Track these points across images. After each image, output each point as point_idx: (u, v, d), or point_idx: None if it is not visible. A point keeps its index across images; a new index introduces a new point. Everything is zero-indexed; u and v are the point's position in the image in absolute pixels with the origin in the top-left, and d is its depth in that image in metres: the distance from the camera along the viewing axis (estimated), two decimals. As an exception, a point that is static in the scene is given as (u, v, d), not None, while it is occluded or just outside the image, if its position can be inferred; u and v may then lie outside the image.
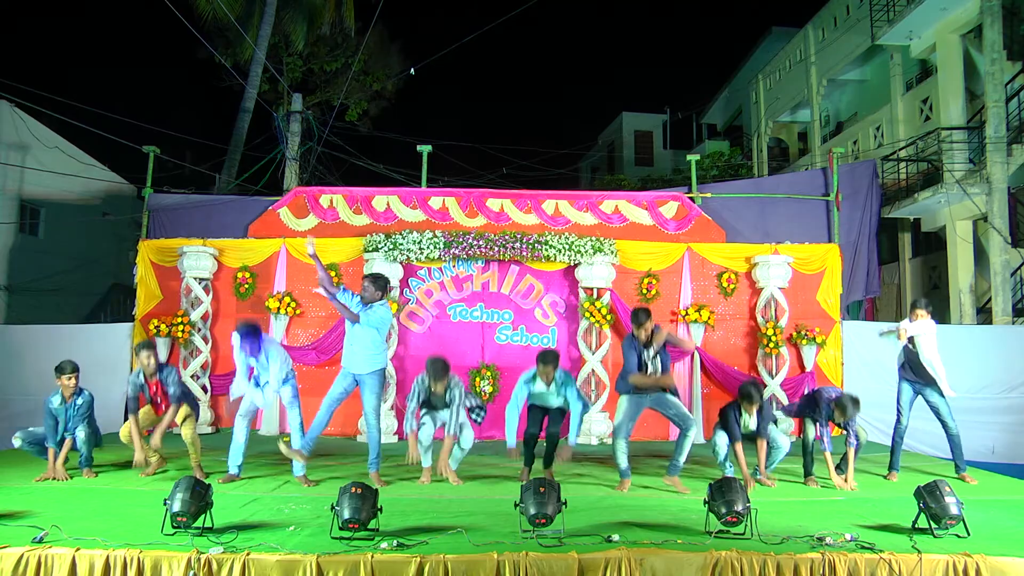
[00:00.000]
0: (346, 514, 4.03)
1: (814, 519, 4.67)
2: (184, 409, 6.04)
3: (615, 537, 4.09)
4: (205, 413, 8.93)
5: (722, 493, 4.28)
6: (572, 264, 8.92)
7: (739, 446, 5.72)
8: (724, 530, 4.23)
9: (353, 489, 4.13)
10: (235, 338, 5.78)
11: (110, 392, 8.50)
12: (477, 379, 8.90)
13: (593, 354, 8.76)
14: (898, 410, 6.42)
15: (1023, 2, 11.75)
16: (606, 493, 5.56)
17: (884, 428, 8.47)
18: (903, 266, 14.15)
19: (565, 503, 4.26)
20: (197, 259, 8.97)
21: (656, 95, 45.38)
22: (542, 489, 4.23)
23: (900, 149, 13.12)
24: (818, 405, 5.96)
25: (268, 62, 15.33)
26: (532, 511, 4.15)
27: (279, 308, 8.94)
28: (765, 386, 8.17)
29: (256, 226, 9.52)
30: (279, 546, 3.88)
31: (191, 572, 3.68)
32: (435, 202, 9.47)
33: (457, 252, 8.81)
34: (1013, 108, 11.27)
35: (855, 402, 5.82)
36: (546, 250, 8.80)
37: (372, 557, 3.73)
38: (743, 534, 4.19)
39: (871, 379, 8.75)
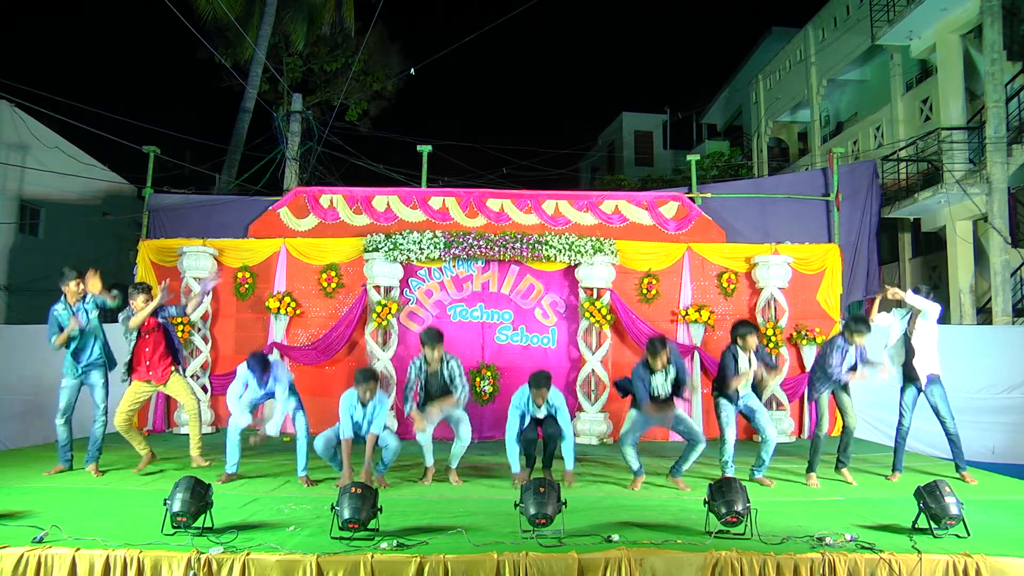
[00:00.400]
0: (346, 514, 4.03)
1: (814, 519, 4.66)
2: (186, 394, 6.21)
3: (615, 537, 4.09)
4: (205, 413, 8.93)
5: (722, 493, 4.28)
6: (572, 264, 8.92)
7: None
8: (724, 530, 4.23)
9: (353, 489, 4.13)
10: (242, 369, 5.82)
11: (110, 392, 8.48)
12: (477, 379, 8.90)
13: (593, 354, 8.76)
14: (900, 411, 6.42)
15: (1023, 2, 11.76)
16: (606, 493, 5.56)
17: (884, 428, 8.48)
18: (903, 266, 14.15)
19: (565, 503, 4.26)
20: (197, 259, 8.97)
21: (656, 95, 45.48)
22: (542, 489, 4.24)
23: (900, 149, 13.13)
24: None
25: (268, 62, 15.33)
26: (532, 511, 4.15)
27: (279, 308, 8.93)
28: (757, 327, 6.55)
29: (256, 226, 9.52)
30: (279, 546, 3.88)
31: (191, 572, 3.68)
32: (435, 202, 9.48)
33: (457, 252, 8.81)
34: (1013, 108, 11.28)
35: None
36: (546, 250, 8.80)
37: (372, 557, 3.73)
38: (743, 534, 4.19)
39: (871, 379, 8.72)
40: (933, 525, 4.30)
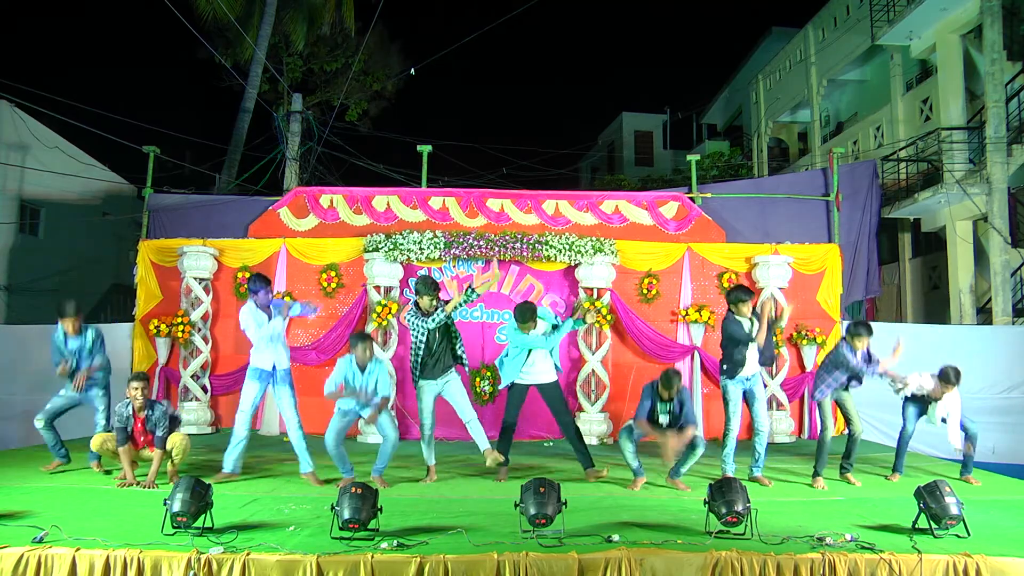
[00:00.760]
0: (346, 514, 4.03)
1: (814, 519, 4.66)
2: (181, 443, 5.74)
3: (615, 537, 4.09)
4: (205, 413, 8.93)
5: (722, 493, 4.28)
6: (572, 264, 8.92)
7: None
8: (724, 530, 4.23)
9: (353, 489, 4.13)
10: (245, 310, 5.79)
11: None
12: (477, 379, 8.90)
13: (593, 354, 8.76)
14: (904, 419, 6.41)
15: (1023, 2, 11.75)
16: (606, 493, 5.56)
17: (884, 428, 8.48)
18: (903, 266, 14.15)
19: (565, 503, 4.26)
20: (197, 259, 8.97)
21: (656, 95, 45.44)
22: (542, 489, 4.23)
23: (900, 149, 13.12)
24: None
25: (268, 62, 15.33)
26: (532, 511, 4.15)
27: (279, 308, 8.91)
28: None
29: (256, 226, 9.52)
30: (279, 546, 3.88)
31: (191, 572, 3.68)
32: (435, 202, 9.48)
33: (457, 252, 8.81)
34: (1013, 108, 11.28)
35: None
36: (546, 250, 8.80)
37: (372, 557, 3.73)
38: (743, 534, 4.19)
39: (870, 379, 8.72)
40: (933, 525, 4.30)
